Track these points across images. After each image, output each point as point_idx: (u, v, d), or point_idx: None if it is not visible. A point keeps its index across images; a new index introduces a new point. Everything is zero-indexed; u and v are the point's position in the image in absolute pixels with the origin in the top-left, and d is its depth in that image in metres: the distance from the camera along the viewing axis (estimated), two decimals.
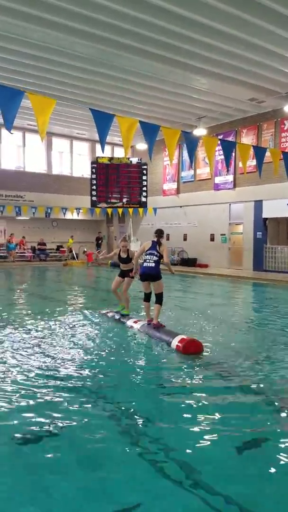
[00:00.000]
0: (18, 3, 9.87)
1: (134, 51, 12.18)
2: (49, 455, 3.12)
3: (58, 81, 14.85)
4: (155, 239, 6.84)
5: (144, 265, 6.73)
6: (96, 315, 8.25)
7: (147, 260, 6.71)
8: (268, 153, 9.05)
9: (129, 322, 7.37)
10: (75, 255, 23.88)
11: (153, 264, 6.65)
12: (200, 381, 4.66)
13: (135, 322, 7.28)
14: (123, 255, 7.65)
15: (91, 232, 26.03)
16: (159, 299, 6.80)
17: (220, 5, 9.61)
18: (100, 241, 24.30)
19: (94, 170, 20.43)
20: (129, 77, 14.31)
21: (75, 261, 23.44)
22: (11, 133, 6.37)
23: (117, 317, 7.79)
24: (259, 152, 9.02)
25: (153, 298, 6.98)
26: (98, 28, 10.91)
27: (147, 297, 7.02)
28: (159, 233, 6.91)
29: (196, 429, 3.56)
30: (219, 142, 8.35)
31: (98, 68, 13.62)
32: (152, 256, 6.69)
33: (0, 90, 5.43)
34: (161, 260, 6.75)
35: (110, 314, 8.05)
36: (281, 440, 3.38)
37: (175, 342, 5.83)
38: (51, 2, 9.73)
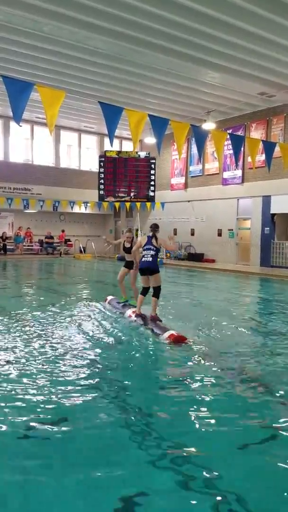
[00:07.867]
0: None
1: (145, 45, 12.09)
2: (50, 449, 3.16)
3: (68, 74, 14.82)
4: (150, 234, 7.01)
5: (143, 260, 6.95)
6: (97, 306, 8.44)
7: (145, 255, 6.90)
8: (277, 148, 8.99)
9: (128, 312, 7.52)
10: (82, 249, 23.93)
11: (150, 259, 6.84)
12: (203, 376, 4.67)
13: (133, 312, 7.37)
14: (127, 245, 8.02)
15: (99, 226, 26.07)
16: (157, 292, 6.95)
17: None
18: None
19: (102, 163, 20.42)
20: (139, 70, 14.23)
21: (82, 255, 23.51)
22: (20, 126, 6.36)
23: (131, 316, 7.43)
24: (268, 146, 8.96)
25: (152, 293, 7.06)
26: (110, 22, 10.84)
27: (144, 291, 7.18)
28: (154, 227, 7.08)
29: (198, 422, 3.57)
30: (228, 136, 8.30)
31: (108, 61, 13.56)
32: (149, 251, 6.88)
33: (9, 82, 5.44)
34: (160, 253, 6.99)
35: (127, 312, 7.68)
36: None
37: (165, 337, 6.00)
38: None
